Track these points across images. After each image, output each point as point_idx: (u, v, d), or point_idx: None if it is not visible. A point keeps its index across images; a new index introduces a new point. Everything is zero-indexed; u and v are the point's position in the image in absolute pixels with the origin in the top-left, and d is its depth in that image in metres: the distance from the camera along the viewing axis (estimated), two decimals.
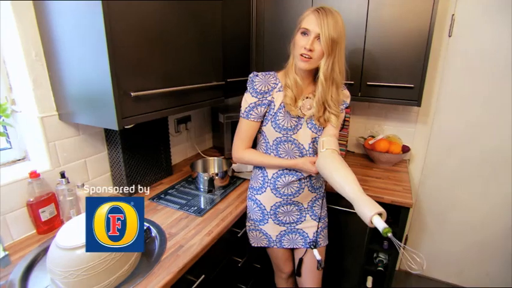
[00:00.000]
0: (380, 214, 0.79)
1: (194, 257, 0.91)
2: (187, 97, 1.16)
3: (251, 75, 1.05)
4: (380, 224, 0.77)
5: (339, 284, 1.62)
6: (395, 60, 1.39)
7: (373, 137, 1.73)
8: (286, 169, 1.10)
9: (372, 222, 0.79)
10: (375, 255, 1.56)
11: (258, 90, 1.02)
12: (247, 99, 1.04)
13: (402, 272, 2.08)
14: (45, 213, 0.99)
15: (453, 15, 1.50)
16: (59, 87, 0.99)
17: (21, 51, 0.93)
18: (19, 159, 1.08)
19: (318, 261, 1.16)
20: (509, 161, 1.61)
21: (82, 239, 0.74)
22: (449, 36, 1.54)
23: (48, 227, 1.00)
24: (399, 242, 0.79)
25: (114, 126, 0.90)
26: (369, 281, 1.55)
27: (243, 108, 1.05)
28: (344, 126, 1.74)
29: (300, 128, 1.06)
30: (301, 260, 1.22)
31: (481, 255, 1.82)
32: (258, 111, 1.04)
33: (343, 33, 0.96)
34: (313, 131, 1.07)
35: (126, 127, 1.11)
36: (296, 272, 1.25)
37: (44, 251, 0.90)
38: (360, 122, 1.86)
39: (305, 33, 0.95)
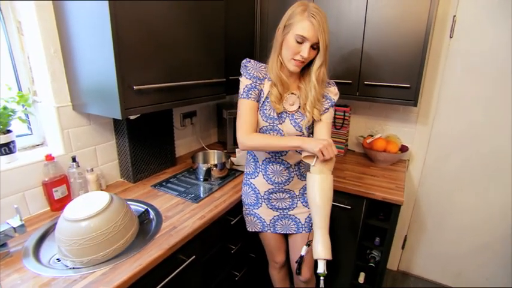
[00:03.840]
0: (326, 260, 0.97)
1: (185, 238, 0.99)
2: (188, 92, 1.25)
3: (244, 61, 1.07)
4: (320, 268, 0.97)
5: (333, 279, 1.66)
6: (393, 60, 1.42)
7: (372, 136, 1.75)
8: (274, 157, 1.14)
9: (317, 260, 0.98)
10: (368, 251, 1.58)
11: (251, 74, 1.05)
12: (244, 82, 1.06)
13: (400, 273, 2.08)
14: (58, 193, 1.11)
15: (454, 16, 1.50)
16: (73, 81, 1.11)
17: (42, 47, 1.06)
18: (38, 145, 1.21)
19: (301, 256, 1.15)
20: (509, 164, 1.58)
21: (85, 213, 0.85)
22: (451, 37, 1.54)
23: (60, 205, 1.12)
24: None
25: (118, 116, 1.00)
26: (361, 276, 1.58)
27: (241, 90, 1.06)
28: (344, 124, 1.78)
29: (284, 121, 1.09)
30: (301, 258, 1.20)
31: (480, 259, 1.79)
32: (255, 92, 1.05)
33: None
34: (296, 129, 1.09)
35: (131, 118, 1.23)
36: (297, 271, 1.22)
37: (55, 225, 1.01)
38: (361, 122, 1.88)
39: (301, 41, 0.95)
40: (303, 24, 0.94)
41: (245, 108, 1.05)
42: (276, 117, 1.08)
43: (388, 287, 1.94)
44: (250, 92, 1.05)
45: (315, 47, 0.98)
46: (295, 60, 0.99)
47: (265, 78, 1.08)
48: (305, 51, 0.96)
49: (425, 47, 1.33)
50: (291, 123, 1.09)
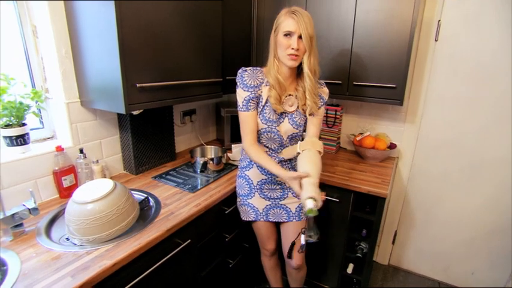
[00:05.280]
0: (315, 200, 0.96)
1: (181, 222, 1.09)
2: (186, 90, 1.36)
3: (240, 70, 1.16)
4: (308, 205, 0.94)
5: (323, 270, 1.74)
6: (380, 62, 1.51)
7: (362, 134, 1.84)
8: (269, 151, 1.24)
9: (305, 204, 0.96)
10: (356, 243, 1.66)
11: (248, 84, 1.14)
12: (241, 94, 1.14)
13: (391, 267, 2.15)
14: (66, 181, 1.22)
15: (439, 21, 1.59)
16: (82, 79, 1.22)
17: (55, 49, 1.17)
18: (49, 137, 1.32)
19: (302, 246, 1.20)
20: (492, 162, 1.66)
21: (92, 197, 0.95)
22: (436, 40, 1.62)
23: (68, 193, 1.22)
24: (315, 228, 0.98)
25: (122, 110, 1.10)
26: (350, 267, 1.66)
27: (240, 103, 1.16)
28: (335, 123, 1.87)
29: (282, 121, 1.19)
30: (293, 243, 1.31)
31: (466, 254, 1.86)
32: (254, 101, 1.15)
33: (314, 29, 1.09)
34: (294, 127, 1.20)
35: (134, 113, 1.33)
36: (288, 255, 1.33)
37: (64, 210, 1.12)
38: (353, 121, 1.97)
39: (288, 35, 1.07)
40: (287, 21, 1.07)
41: (246, 119, 1.16)
42: (274, 120, 1.17)
43: (379, 282, 2.01)
44: (249, 103, 1.15)
45: (300, 38, 1.07)
46: (289, 54, 1.08)
47: (262, 83, 1.16)
48: (294, 42, 1.06)
49: (409, 49, 1.42)
50: (289, 123, 1.19)
